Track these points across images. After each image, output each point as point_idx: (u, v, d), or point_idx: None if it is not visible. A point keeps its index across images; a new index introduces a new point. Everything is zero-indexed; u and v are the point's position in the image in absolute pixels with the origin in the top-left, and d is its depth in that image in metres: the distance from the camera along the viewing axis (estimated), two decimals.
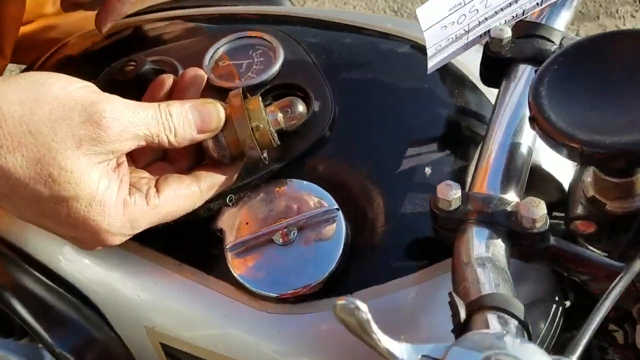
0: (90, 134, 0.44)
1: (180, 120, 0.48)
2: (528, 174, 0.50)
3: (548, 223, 0.45)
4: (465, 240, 0.45)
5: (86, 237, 0.47)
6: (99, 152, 0.44)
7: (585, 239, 0.53)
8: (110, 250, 0.55)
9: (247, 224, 0.51)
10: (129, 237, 0.48)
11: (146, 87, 0.60)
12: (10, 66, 0.86)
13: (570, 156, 0.43)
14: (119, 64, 0.62)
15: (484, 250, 0.44)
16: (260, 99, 0.51)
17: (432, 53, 0.52)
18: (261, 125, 0.50)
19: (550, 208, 0.60)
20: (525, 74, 0.53)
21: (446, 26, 0.50)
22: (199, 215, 0.54)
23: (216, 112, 0.50)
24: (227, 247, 0.50)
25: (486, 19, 0.52)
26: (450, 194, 0.46)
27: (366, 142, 0.57)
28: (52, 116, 0.43)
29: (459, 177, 0.54)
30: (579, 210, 0.52)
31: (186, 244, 0.54)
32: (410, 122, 0.58)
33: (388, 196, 0.54)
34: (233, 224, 0.52)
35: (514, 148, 0.50)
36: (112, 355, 0.57)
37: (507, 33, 0.52)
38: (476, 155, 0.52)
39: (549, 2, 0.53)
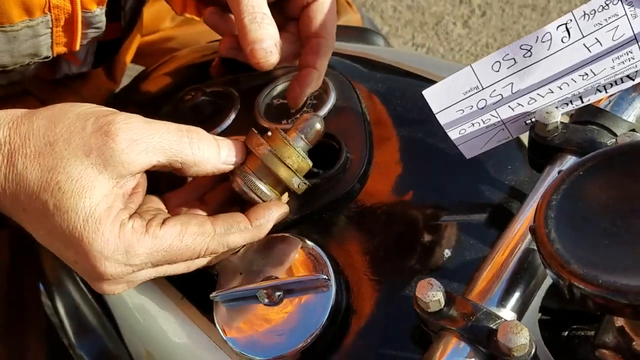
0: (100, 143, 0.44)
1: (206, 142, 0.48)
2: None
3: (533, 352, 0.38)
4: (435, 350, 0.40)
5: (84, 263, 0.45)
6: (108, 163, 0.44)
7: None
8: None
9: (240, 274, 0.50)
10: (126, 270, 0.45)
11: (202, 118, 0.62)
12: (132, 66, 0.93)
13: (562, 290, 0.36)
14: (181, 93, 0.64)
15: None
16: (279, 132, 0.50)
17: (457, 136, 0.47)
18: (293, 157, 0.49)
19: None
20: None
21: (463, 110, 0.45)
22: None
23: (243, 148, 0.50)
24: (212, 295, 0.49)
25: (520, 104, 0.45)
26: (429, 294, 0.41)
27: (390, 210, 0.53)
28: (70, 128, 0.45)
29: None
30: (607, 338, 0.43)
31: (192, 279, 0.55)
32: (445, 195, 0.53)
33: (396, 274, 0.50)
34: (228, 271, 0.51)
35: (528, 253, 0.43)
36: None
37: (555, 117, 0.45)
38: None
39: (615, 89, 0.45)
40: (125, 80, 0.87)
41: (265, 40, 0.55)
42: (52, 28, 0.58)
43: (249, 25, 0.55)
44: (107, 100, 0.84)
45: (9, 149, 0.44)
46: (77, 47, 0.61)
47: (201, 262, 0.49)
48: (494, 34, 1.85)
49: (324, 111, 0.59)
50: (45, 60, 0.61)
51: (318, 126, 0.51)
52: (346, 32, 0.80)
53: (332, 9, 0.60)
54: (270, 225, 0.49)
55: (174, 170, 0.48)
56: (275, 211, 0.49)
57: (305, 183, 0.50)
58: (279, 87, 0.63)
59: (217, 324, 0.49)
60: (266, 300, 0.48)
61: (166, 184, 0.53)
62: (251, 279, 0.50)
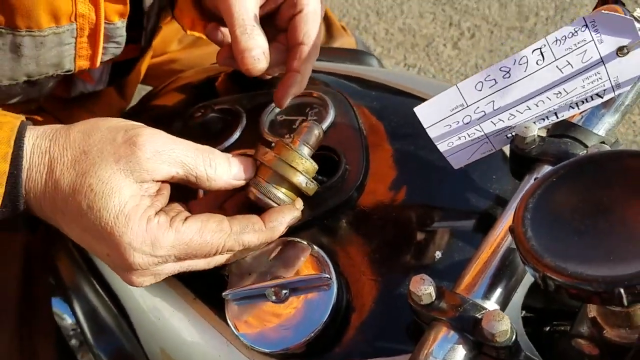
0: (128, 152, 0.50)
1: (219, 160, 0.53)
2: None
3: (514, 339, 0.43)
4: (427, 339, 0.45)
5: (115, 255, 0.49)
6: (134, 170, 0.49)
7: None
8: None
9: (249, 274, 0.55)
10: (152, 260, 0.49)
11: (211, 133, 0.67)
12: (140, 87, 0.98)
13: (538, 282, 0.41)
14: (191, 110, 0.69)
15: (441, 355, 0.44)
16: (283, 141, 0.55)
17: (445, 149, 0.52)
18: (297, 160, 0.54)
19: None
20: None
21: (450, 125, 0.50)
22: None
23: (252, 164, 0.55)
24: (224, 294, 0.54)
25: (501, 120, 0.50)
26: (421, 288, 0.46)
27: (386, 216, 0.58)
28: (102, 139, 0.51)
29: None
30: (582, 328, 0.48)
31: (204, 280, 0.59)
32: (436, 202, 0.58)
33: (391, 273, 0.54)
34: (238, 271, 0.56)
35: (510, 252, 0.48)
36: None
37: (532, 131, 0.51)
38: None
39: (587, 106, 0.50)
40: (134, 100, 0.92)
41: (254, 49, 0.62)
42: (76, 38, 0.63)
43: (240, 36, 0.62)
44: None
45: (49, 157, 0.50)
46: (98, 63, 0.66)
47: (220, 259, 0.53)
48: (482, 55, 1.91)
49: (323, 126, 0.64)
50: (67, 73, 0.66)
51: (317, 132, 0.57)
52: (342, 54, 0.86)
53: (315, 20, 0.66)
54: (283, 228, 0.54)
55: (190, 184, 0.53)
56: (287, 214, 0.54)
57: (312, 182, 0.55)
58: None
59: (229, 321, 0.54)
60: (273, 298, 0.53)
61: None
62: (259, 279, 0.54)
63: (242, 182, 0.55)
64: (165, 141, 0.51)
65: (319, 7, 0.67)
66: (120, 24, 0.67)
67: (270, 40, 0.64)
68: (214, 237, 0.51)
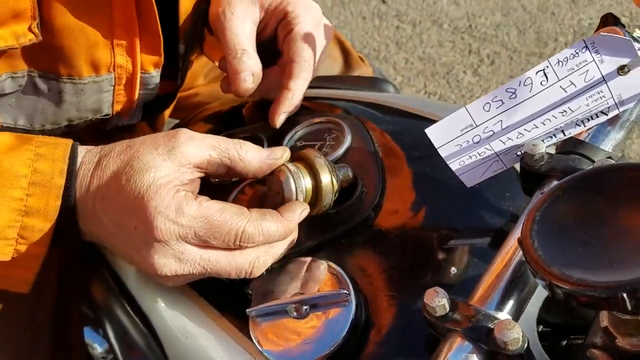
0: (166, 141, 0.56)
1: (249, 145, 0.58)
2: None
3: (525, 347, 0.45)
4: (442, 349, 0.47)
5: (142, 224, 0.53)
6: (170, 153, 0.55)
7: None
8: (175, 294, 0.65)
9: (272, 292, 0.58)
10: (174, 229, 0.52)
11: None
12: (168, 119, 1.02)
13: (543, 287, 0.42)
14: None
15: None
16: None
17: (457, 167, 0.54)
18: (333, 176, 0.59)
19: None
20: None
21: (460, 144, 0.52)
22: None
23: (283, 148, 0.60)
24: (248, 311, 0.56)
25: (510, 138, 0.53)
26: (435, 301, 0.47)
27: (402, 235, 0.60)
28: (146, 137, 0.57)
29: None
30: (596, 338, 0.50)
31: (228, 298, 0.62)
32: (451, 220, 0.60)
33: (408, 290, 0.56)
34: (261, 289, 0.58)
35: (521, 265, 0.50)
36: None
37: (540, 149, 0.53)
38: None
39: (592, 123, 0.52)
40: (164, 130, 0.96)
41: (243, 71, 0.67)
42: (114, 86, 0.67)
43: (232, 61, 0.67)
44: None
45: (99, 157, 0.56)
46: (134, 107, 0.70)
47: (242, 261, 0.55)
48: (503, 81, 1.94)
49: (341, 150, 0.67)
50: (105, 117, 0.70)
51: (350, 174, 0.62)
52: (360, 82, 0.89)
53: (307, 38, 0.70)
54: (297, 221, 0.57)
55: (227, 170, 0.58)
56: (299, 208, 0.57)
57: (331, 202, 0.59)
58: (301, 132, 0.71)
59: (252, 336, 0.56)
60: (295, 314, 0.55)
61: None
62: (281, 296, 0.57)
63: (277, 162, 0.59)
64: (199, 133, 0.57)
65: (313, 26, 0.70)
66: (155, 73, 0.71)
67: (273, 63, 0.67)
68: (233, 219, 0.54)
